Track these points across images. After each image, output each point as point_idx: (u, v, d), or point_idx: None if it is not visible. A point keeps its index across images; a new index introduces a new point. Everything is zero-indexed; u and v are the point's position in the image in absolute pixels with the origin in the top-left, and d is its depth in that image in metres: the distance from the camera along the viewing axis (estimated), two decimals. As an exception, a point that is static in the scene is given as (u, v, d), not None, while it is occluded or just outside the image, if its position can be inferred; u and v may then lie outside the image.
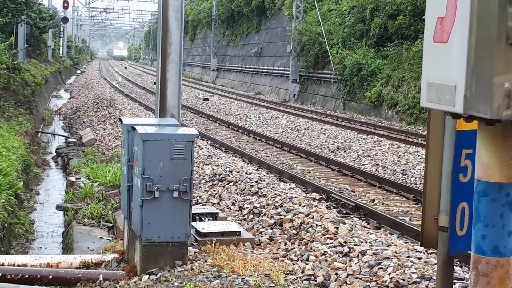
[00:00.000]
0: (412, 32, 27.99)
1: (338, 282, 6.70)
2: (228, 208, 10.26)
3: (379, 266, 6.74)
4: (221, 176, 11.94)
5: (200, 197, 11.09)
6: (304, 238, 8.16)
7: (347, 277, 6.74)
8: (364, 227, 8.96)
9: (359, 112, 29.24)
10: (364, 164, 16.01)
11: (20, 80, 25.22)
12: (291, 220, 8.79)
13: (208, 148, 15.93)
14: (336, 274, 6.87)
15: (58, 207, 11.81)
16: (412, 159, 15.84)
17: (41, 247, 10.89)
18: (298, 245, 8.06)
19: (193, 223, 8.17)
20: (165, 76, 9.73)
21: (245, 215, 9.71)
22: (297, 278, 6.82)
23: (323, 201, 11.18)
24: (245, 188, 10.92)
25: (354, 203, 10.88)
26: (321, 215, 8.75)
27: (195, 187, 11.70)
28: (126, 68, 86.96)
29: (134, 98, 33.06)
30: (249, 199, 10.27)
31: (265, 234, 8.64)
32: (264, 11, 47.40)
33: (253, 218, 9.50)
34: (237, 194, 10.77)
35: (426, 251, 7.37)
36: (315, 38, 34.88)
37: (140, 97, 35.21)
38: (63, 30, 66.45)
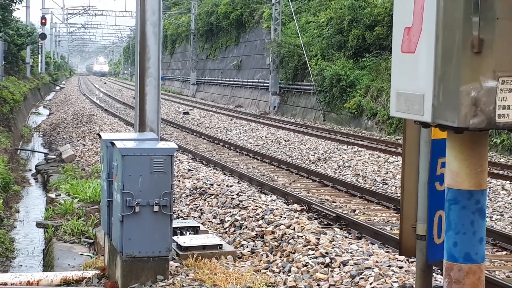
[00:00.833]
0: (390, 42, 28.17)
1: (320, 293, 6.70)
2: (209, 221, 10.24)
3: (361, 276, 6.76)
4: (202, 189, 11.92)
5: (181, 211, 11.06)
6: (285, 250, 8.15)
7: (329, 287, 6.75)
8: (346, 237, 8.98)
9: (339, 123, 29.37)
10: (344, 175, 16.06)
11: (-2, 97, 25.06)
12: (273, 232, 8.79)
13: (189, 162, 15.90)
14: (318, 285, 6.87)
15: (38, 224, 11.70)
16: (392, 168, 15.93)
17: (21, 265, 10.78)
18: (280, 257, 8.06)
19: (174, 237, 8.14)
20: (143, 90, 9.71)
21: (226, 228, 9.69)
22: (279, 290, 6.81)
23: (304, 212, 11.20)
24: (226, 201, 10.91)
25: (335, 213, 10.91)
26: (302, 227, 8.76)
27: (176, 201, 11.67)
28: (105, 83, 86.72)
29: (114, 113, 32.96)
30: (230, 211, 10.26)
31: (247, 247, 8.62)
32: (242, 24, 47.55)
33: (234, 230, 9.48)
34: (218, 207, 10.76)
35: (407, 260, 7.40)
36: (294, 50, 35.04)
37: (120, 112, 35.10)
38: (41, 47, 66.16)
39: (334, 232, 9.19)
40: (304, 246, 8.04)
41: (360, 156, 18.15)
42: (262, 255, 8.26)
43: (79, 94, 52.20)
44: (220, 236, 9.18)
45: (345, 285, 6.69)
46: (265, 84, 39.89)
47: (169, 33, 71.08)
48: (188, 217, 10.56)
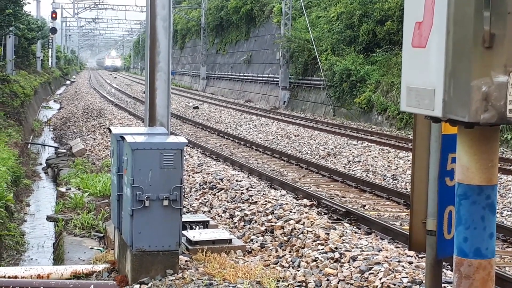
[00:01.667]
0: (401, 37, 28.03)
1: (329, 288, 6.71)
2: (219, 216, 10.25)
3: (370, 271, 6.75)
4: (211, 184, 11.93)
5: (190, 205, 11.08)
6: (295, 245, 8.16)
7: (338, 282, 6.75)
8: (355, 232, 8.97)
9: (349, 118, 29.31)
10: (354, 170, 16.04)
11: (9, 91, 25.15)
12: (282, 227, 8.79)
13: (199, 156, 15.92)
14: (327, 280, 6.87)
15: (49, 218, 11.76)
16: (402, 164, 15.89)
17: (31, 259, 10.84)
18: (289, 252, 8.06)
19: (184, 232, 8.16)
20: (154, 85, 9.71)
21: (236, 222, 9.70)
22: (288, 285, 6.82)
23: (314, 207, 11.19)
24: (235, 195, 10.91)
25: (345, 208, 10.90)
26: (311, 221, 8.76)
27: (185, 195, 11.69)
28: (116, 78, 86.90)
29: (124, 107, 33.03)
30: (239, 206, 10.27)
31: (256, 241, 8.63)
32: (253, 18, 47.50)
33: (244, 225, 9.49)
34: (228, 202, 10.77)
35: (417, 255, 7.39)
36: (304, 45, 34.97)
37: (130, 106, 35.17)
38: (52, 41, 66.35)
39: (343, 227, 9.19)
40: (314, 241, 8.04)
41: (370, 152, 18.12)
42: (271, 249, 8.27)
43: (89, 89, 52.34)
44: (229, 230, 9.20)
45: (355, 280, 6.68)
46: (275, 79, 39.86)
47: (179, 28, 71.12)
48: (198, 212, 10.58)
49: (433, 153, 3.48)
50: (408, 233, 3.75)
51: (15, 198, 13.61)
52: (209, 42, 58.91)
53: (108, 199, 11.10)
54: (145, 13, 9.97)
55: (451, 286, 6.20)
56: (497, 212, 11.32)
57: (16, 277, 7.50)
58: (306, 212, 9.35)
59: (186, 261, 7.50)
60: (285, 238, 8.48)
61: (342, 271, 6.94)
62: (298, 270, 7.29)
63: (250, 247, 8.39)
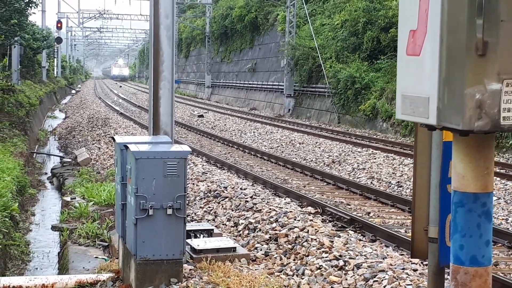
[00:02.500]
0: (405, 44, 28.07)
1: (333, 296, 6.69)
2: (223, 224, 10.25)
3: (375, 279, 6.74)
4: (216, 192, 11.93)
5: (195, 213, 11.08)
6: (299, 253, 8.15)
7: (342, 290, 6.74)
8: (360, 240, 8.96)
9: (354, 125, 29.30)
10: (359, 177, 16.02)
11: (15, 101, 25.25)
12: (286, 235, 8.78)
13: (203, 165, 15.93)
14: (332, 287, 6.85)
15: (54, 228, 11.77)
16: (407, 171, 15.86)
17: (36, 268, 10.85)
18: (294, 260, 8.05)
19: (188, 240, 8.16)
20: (157, 93, 9.73)
21: (240, 231, 9.70)
22: (292, 293, 6.81)
23: (318, 215, 11.18)
24: (240, 203, 10.91)
25: (349, 216, 10.88)
26: (316, 229, 8.75)
27: (190, 204, 11.69)
28: (121, 86, 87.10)
29: (129, 116, 33.10)
30: (244, 214, 10.26)
31: (261, 250, 8.62)
32: (257, 27, 47.60)
33: (248, 233, 9.48)
34: (232, 210, 10.77)
35: (422, 262, 7.36)
36: (309, 52, 35.01)
37: (135, 115, 35.24)
38: (57, 51, 66.58)
39: (348, 235, 9.17)
40: (318, 249, 8.03)
41: (375, 159, 18.10)
42: (276, 258, 8.26)
43: (94, 98, 52.47)
44: (234, 239, 9.19)
45: (359, 288, 6.67)
46: (279, 87, 39.90)
47: (184, 36, 71.30)
48: (202, 220, 10.58)
49: (434, 160, 3.47)
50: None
51: (20, 208, 13.63)
52: (214, 51, 59.04)
53: (113, 208, 11.11)
54: (149, 22, 10.01)
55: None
56: (503, 219, 11.29)
57: (20, 287, 7.51)
58: (311, 220, 9.34)
59: (190, 269, 7.49)
60: (290, 246, 8.47)
61: (346, 279, 6.93)
62: (303, 278, 7.28)
63: (255, 255, 8.38)
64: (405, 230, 10.61)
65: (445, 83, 2.23)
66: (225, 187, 12.10)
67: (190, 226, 8.86)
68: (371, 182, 15.29)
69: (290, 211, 9.79)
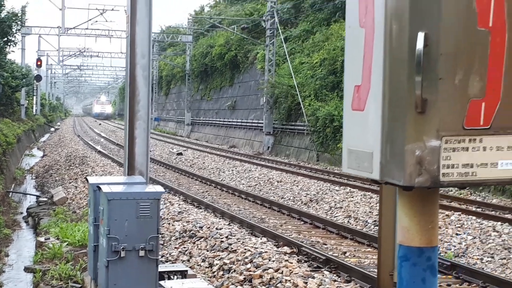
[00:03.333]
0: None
1: (306, 338, 6.63)
2: (198, 265, 10.17)
3: (348, 321, 6.69)
4: (191, 232, 11.86)
5: (170, 254, 10.99)
6: (273, 294, 8.09)
7: (315, 333, 6.68)
8: (335, 280, 8.92)
9: (333, 163, 29.38)
10: (336, 216, 16.01)
11: (-9, 139, 25.05)
12: (261, 276, 8.73)
13: (180, 204, 15.85)
14: (305, 330, 6.80)
15: (26, 269, 11.61)
16: (384, 209, 15.88)
17: (8, 311, 10.66)
18: (268, 302, 7.99)
19: (161, 282, 8.07)
20: (133, 133, 9.72)
21: (215, 271, 9.63)
22: (265, 335, 6.74)
23: (294, 255, 11.12)
24: (215, 244, 10.85)
25: (325, 256, 10.84)
26: (290, 270, 8.70)
27: (165, 244, 11.60)
28: (100, 124, 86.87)
29: (107, 154, 32.95)
30: (219, 255, 10.20)
31: (235, 291, 8.55)
32: (237, 65, 47.91)
33: (223, 274, 9.42)
34: (207, 251, 10.69)
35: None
36: (288, 90, 35.25)
37: (113, 153, 35.10)
38: (37, 88, 66.41)
39: (323, 275, 9.13)
40: (292, 290, 7.98)
41: (352, 197, 18.12)
42: (250, 299, 8.19)
43: (73, 136, 52.24)
44: (208, 280, 9.11)
45: (332, 331, 6.62)
46: (259, 124, 40.03)
47: (164, 74, 71.55)
48: (177, 261, 10.49)
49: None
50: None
51: (-7, 249, 13.43)
52: (194, 88, 59.25)
53: (87, 249, 10.99)
54: (125, 62, 10.04)
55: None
56: (478, 258, 11.32)
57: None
58: (286, 260, 9.30)
59: (162, 312, 7.40)
60: (264, 287, 8.41)
61: (319, 321, 6.88)
62: (276, 321, 7.22)
63: (229, 297, 8.31)
64: (381, 270, 10.58)
65: (387, 138, 2.25)
66: (201, 227, 12.04)
67: (164, 267, 8.78)
68: (348, 221, 15.29)
69: (265, 252, 9.75)
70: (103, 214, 7.20)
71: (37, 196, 21.45)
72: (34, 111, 65.52)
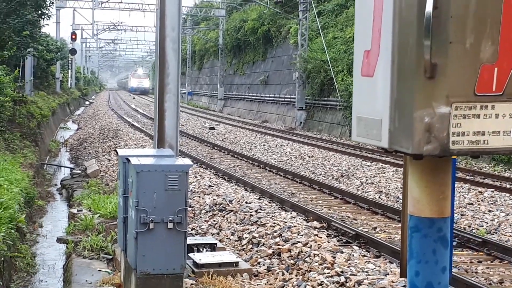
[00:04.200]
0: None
1: (333, 312, 6.62)
2: (227, 238, 10.21)
3: (375, 296, 6.67)
4: (221, 205, 11.90)
5: (200, 227, 11.04)
6: (301, 268, 8.09)
7: (342, 307, 6.67)
8: (364, 255, 8.88)
9: (365, 139, 29.18)
10: (367, 191, 15.92)
11: (26, 112, 25.36)
12: (289, 250, 8.73)
13: (211, 178, 15.89)
14: (332, 304, 6.79)
15: (59, 240, 11.78)
16: (416, 185, 15.74)
17: (41, 281, 10.84)
18: (296, 276, 7.99)
19: (191, 254, 8.13)
20: (163, 106, 9.73)
21: (244, 245, 9.65)
22: (292, 309, 6.75)
23: (323, 230, 11.10)
24: (244, 217, 10.87)
25: (354, 231, 10.80)
26: (319, 244, 8.68)
27: (195, 217, 11.66)
28: (134, 98, 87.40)
29: (140, 128, 33.16)
30: (248, 229, 10.22)
31: (263, 265, 8.57)
32: (270, 39, 47.69)
33: (252, 248, 9.44)
34: (237, 224, 10.72)
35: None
36: (321, 65, 35.00)
37: (146, 127, 35.32)
38: (72, 62, 66.97)
39: (352, 250, 9.09)
40: (320, 264, 7.97)
41: (384, 173, 17.99)
42: (278, 273, 8.20)
43: (107, 109, 52.68)
44: (237, 253, 9.15)
45: (359, 305, 6.60)
46: (291, 100, 39.89)
47: (198, 49, 71.57)
48: (207, 234, 10.54)
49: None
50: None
51: (28, 220, 13.65)
52: (226, 63, 59.21)
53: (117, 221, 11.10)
54: (155, 34, 10.03)
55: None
56: (510, 235, 11.18)
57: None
58: (315, 235, 9.28)
59: (191, 284, 7.46)
60: (292, 261, 8.41)
61: (347, 296, 6.87)
62: (303, 294, 7.22)
63: (257, 270, 8.33)
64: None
65: (396, 105, 2.18)
66: (231, 201, 12.06)
67: (193, 240, 8.84)
68: (379, 197, 15.19)
69: (294, 226, 9.73)
70: (132, 186, 7.23)
71: (71, 168, 21.72)
72: (69, 84, 66.15)
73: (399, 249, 9.45)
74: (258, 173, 19.56)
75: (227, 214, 11.41)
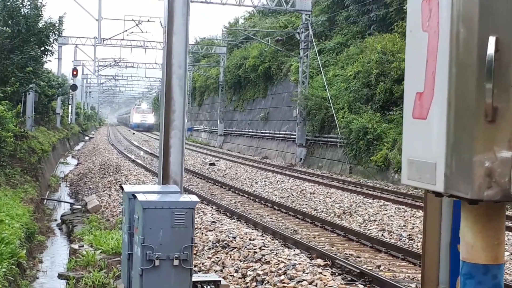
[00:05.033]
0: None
1: None
2: (231, 275, 10.11)
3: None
4: (224, 242, 11.82)
5: (202, 264, 10.95)
6: (307, 307, 8.00)
7: None
8: (369, 294, 8.79)
9: (366, 176, 29.16)
10: (370, 229, 15.84)
11: (27, 147, 25.35)
12: (295, 288, 8.64)
13: (213, 214, 15.83)
14: None
15: (60, 276, 11.67)
16: (419, 223, 15.67)
17: (42, 317, 10.71)
18: (302, 314, 7.90)
19: (195, 292, 8.04)
20: (168, 142, 9.72)
21: (248, 282, 9.56)
22: None
23: (327, 268, 11.01)
24: (248, 254, 10.79)
25: (359, 269, 10.71)
26: (325, 283, 8.60)
27: (198, 254, 11.57)
28: (134, 134, 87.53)
29: (141, 163, 33.13)
30: (252, 266, 10.13)
31: (268, 303, 8.48)
32: (270, 77, 47.96)
33: (256, 286, 9.34)
34: (240, 261, 10.63)
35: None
36: (321, 102, 35.13)
37: (147, 162, 35.28)
38: (72, 97, 67.19)
39: (357, 289, 9.01)
40: (326, 303, 7.88)
41: (386, 210, 17.93)
42: (283, 311, 8.11)
43: (107, 145, 52.69)
44: (241, 291, 9.05)
45: None
46: (291, 136, 39.95)
47: (198, 85, 71.92)
48: (210, 271, 10.45)
49: (444, 218, 3.39)
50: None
51: (28, 255, 13.53)
52: (227, 99, 59.44)
53: (120, 257, 11.01)
54: (161, 71, 10.07)
55: None
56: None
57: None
58: (320, 273, 9.20)
59: (196, 322, 7.36)
60: (298, 300, 8.32)
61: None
62: (310, 334, 7.12)
63: (262, 309, 8.24)
64: (416, 285, 10.42)
65: (453, 149, 2.12)
66: (234, 237, 11.99)
67: (196, 277, 8.74)
68: (382, 234, 15.11)
69: (299, 263, 9.65)
70: (138, 223, 7.19)
71: (71, 203, 21.63)
72: (69, 119, 66.28)
73: (405, 288, 9.35)
74: (259, 209, 19.48)
75: (231, 251, 11.33)
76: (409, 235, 14.70)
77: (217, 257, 11.18)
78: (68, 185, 28.17)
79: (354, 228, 15.61)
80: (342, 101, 33.58)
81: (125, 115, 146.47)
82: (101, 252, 12.12)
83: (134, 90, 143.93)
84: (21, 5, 26.17)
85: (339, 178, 28.82)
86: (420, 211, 17.33)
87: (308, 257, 11.72)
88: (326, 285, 8.52)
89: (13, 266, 11.37)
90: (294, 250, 11.75)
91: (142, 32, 74.32)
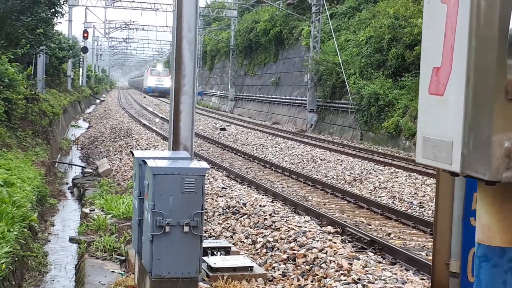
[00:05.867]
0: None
1: (351, 321, 6.54)
2: (241, 241, 10.13)
3: (393, 305, 6.58)
4: (235, 208, 11.83)
5: (213, 230, 10.98)
6: (317, 274, 8.00)
7: (360, 316, 6.58)
8: (379, 262, 8.79)
9: (377, 143, 29.07)
10: (380, 196, 15.82)
11: (38, 110, 25.36)
12: (305, 255, 8.64)
13: (223, 180, 15.83)
14: (349, 312, 6.70)
15: (71, 240, 11.74)
16: (430, 191, 15.63)
17: (53, 280, 10.80)
18: (311, 282, 7.91)
19: (205, 258, 8.06)
20: (178, 108, 9.67)
21: (258, 249, 9.57)
22: (309, 316, 6.67)
23: (338, 235, 11.01)
24: (258, 221, 10.79)
25: (369, 237, 10.70)
26: (335, 250, 8.60)
27: (208, 219, 11.60)
28: (145, 97, 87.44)
29: (151, 127, 33.14)
30: (262, 232, 10.14)
31: (278, 270, 8.49)
32: (281, 41, 47.61)
33: (266, 252, 9.36)
34: (251, 228, 10.65)
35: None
36: (332, 68, 34.90)
37: (157, 126, 35.29)
38: (83, 60, 67.07)
39: (367, 256, 9.00)
40: (336, 271, 7.88)
41: (397, 178, 17.88)
42: (293, 278, 8.12)
43: (118, 108, 52.73)
44: (251, 257, 9.07)
45: (377, 314, 6.51)
46: (302, 102, 39.80)
47: (209, 49, 71.58)
48: (220, 237, 10.47)
49: (457, 191, 3.34)
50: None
51: (39, 218, 13.61)
52: (238, 64, 59.17)
53: (131, 222, 11.04)
54: (172, 35, 9.96)
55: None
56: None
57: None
58: (330, 240, 9.19)
59: (206, 288, 7.39)
60: (308, 267, 8.32)
61: (364, 304, 6.78)
62: (320, 301, 7.14)
63: (272, 275, 8.25)
64: (426, 253, 10.41)
65: (470, 127, 2.03)
66: (244, 204, 11.99)
67: (207, 243, 8.77)
68: (393, 202, 15.09)
69: (309, 231, 9.65)
70: (148, 189, 7.17)
71: (82, 167, 21.70)
72: (80, 82, 66.27)
73: (415, 257, 9.36)
74: (270, 176, 19.48)
75: (241, 217, 11.34)
76: (420, 202, 14.67)
77: (227, 223, 11.20)
78: (80, 149, 28.25)
79: (365, 195, 15.59)
80: (353, 66, 33.35)
81: (137, 78, 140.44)
82: (112, 216, 12.16)
83: (145, 53, 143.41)
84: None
85: (350, 144, 28.75)
86: (431, 178, 17.28)
87: (318, 224, 11.73)
88: (336, 252, 8.52)
89: (25, 229, 11.44)
90: (304, 217, 11.75)
91: (153, -6, 73.76)
